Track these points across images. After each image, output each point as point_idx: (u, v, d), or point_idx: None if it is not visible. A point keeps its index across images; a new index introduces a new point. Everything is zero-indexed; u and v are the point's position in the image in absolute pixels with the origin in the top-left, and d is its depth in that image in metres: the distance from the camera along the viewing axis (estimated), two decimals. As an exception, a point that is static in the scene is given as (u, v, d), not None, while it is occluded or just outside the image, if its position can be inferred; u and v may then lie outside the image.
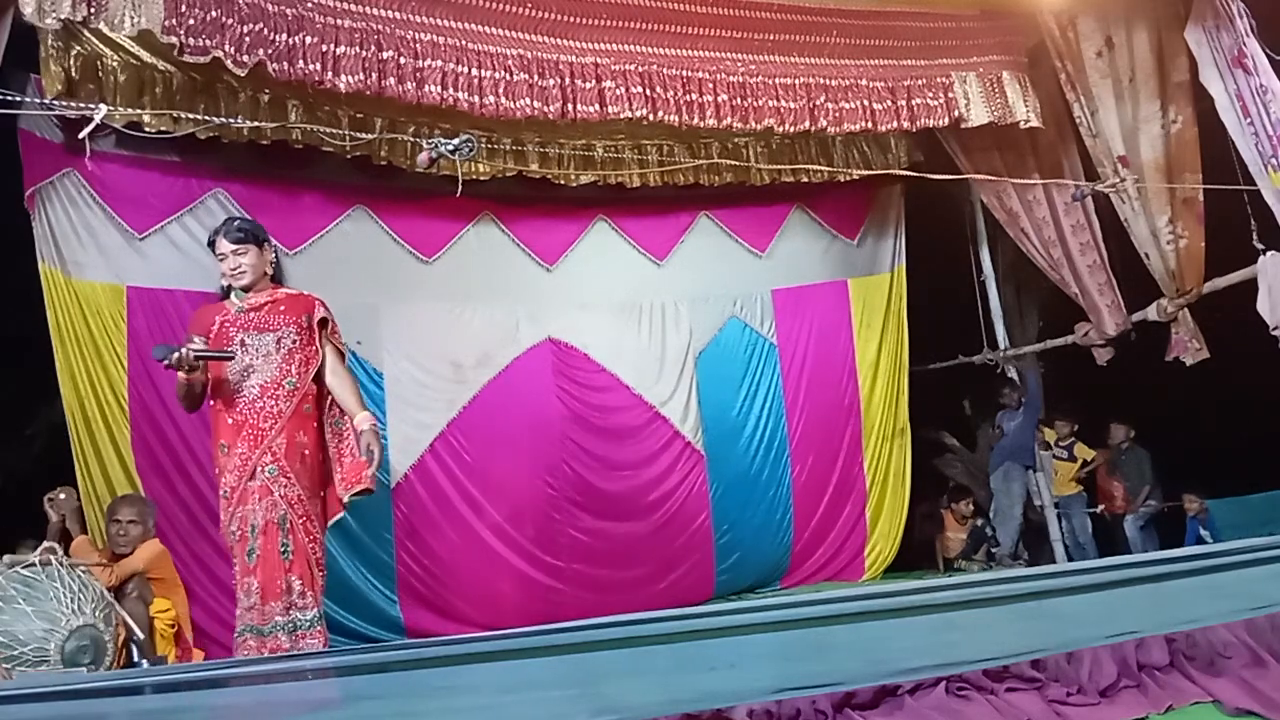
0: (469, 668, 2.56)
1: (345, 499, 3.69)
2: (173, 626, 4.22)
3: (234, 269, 3.74)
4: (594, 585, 6.10)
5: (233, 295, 3.80)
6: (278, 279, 3.95)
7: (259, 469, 3.54)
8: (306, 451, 3.63)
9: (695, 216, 6.88)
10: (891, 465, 7.20)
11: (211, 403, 3.73)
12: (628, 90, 4.97)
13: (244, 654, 3.43)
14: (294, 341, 3.71)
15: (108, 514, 4.51)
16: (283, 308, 3.76)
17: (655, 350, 6.63)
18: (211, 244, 3.84)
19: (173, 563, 4.48)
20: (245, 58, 4.16)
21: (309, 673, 2.64)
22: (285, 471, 3.56)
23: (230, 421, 3.63)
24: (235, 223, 3.89)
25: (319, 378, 3.77)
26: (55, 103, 4.60)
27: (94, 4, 3.83)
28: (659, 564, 6.33)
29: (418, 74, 4.53)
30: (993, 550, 7.15)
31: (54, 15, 3.77)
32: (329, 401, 3.81)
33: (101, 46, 4.92)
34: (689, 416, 6.61)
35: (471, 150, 4.34)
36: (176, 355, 3.47)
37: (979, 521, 7.58)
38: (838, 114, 5.46)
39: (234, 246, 3.74)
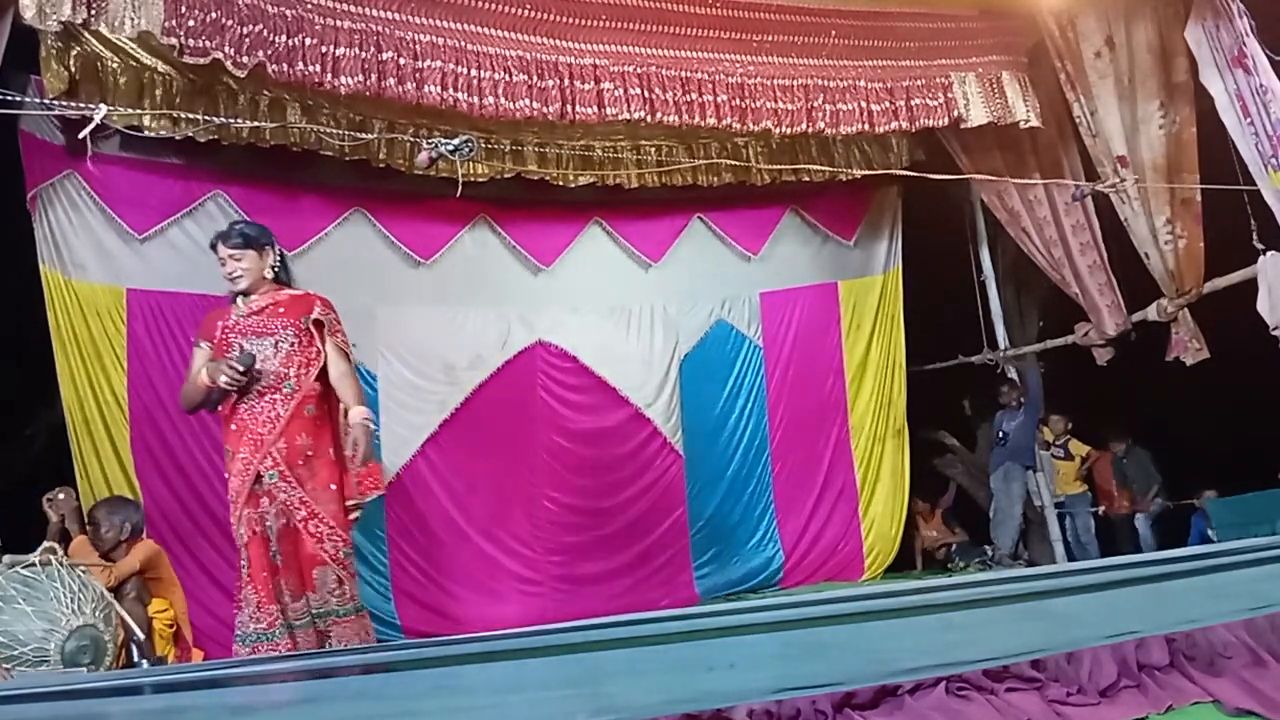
0: (469, 668, 2.57)
1: (352, 516, 3.69)
2: (171, 626, 4.22)
3: (231, 273, 3.70)
4: (575, 579, 6.19)
5: (238, 300, 3.75)
6: (284, 281, 3.84)
7: (262, 474, 3.52)
8: (310, 453, 3.58)
9: (689, 219, 6.88)
10: (888, 465, 7.19)
11: (219, 409, 3.70)
12: (626, 91, 4.97)
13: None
14: (291, 344, 3.65)
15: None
16: (282, 310, 3.71)
17: (642, 353, 6.65)
18: (213, 247, 3.79)
19: (169, 563, 4.47)
20: (245, 59, 4.17)
21: (310, 673, 2.65)
22: (286, 476, 3.52)
23: (233, 427, 3.61)
24: (236, 227, 3.84)
25: (325, 379, 3.70)
26: (55, 103, 4.60)
27: (94, 6, 3.83)
28: (635, 557, 6.38)
29: (417, 75, 4.53)
30: (991, 560, 7.14)
31: (54, 17, 3.77)
32: (341, 405, 3.72)
33: (101, 48, 4.92)
34: (670, 418, 6.63)
35: (471, 150, 4.34)
36: (249, 364, 3.51)
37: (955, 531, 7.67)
38: (836, 115, 5.46)
39: (231, 251, 3.70)
